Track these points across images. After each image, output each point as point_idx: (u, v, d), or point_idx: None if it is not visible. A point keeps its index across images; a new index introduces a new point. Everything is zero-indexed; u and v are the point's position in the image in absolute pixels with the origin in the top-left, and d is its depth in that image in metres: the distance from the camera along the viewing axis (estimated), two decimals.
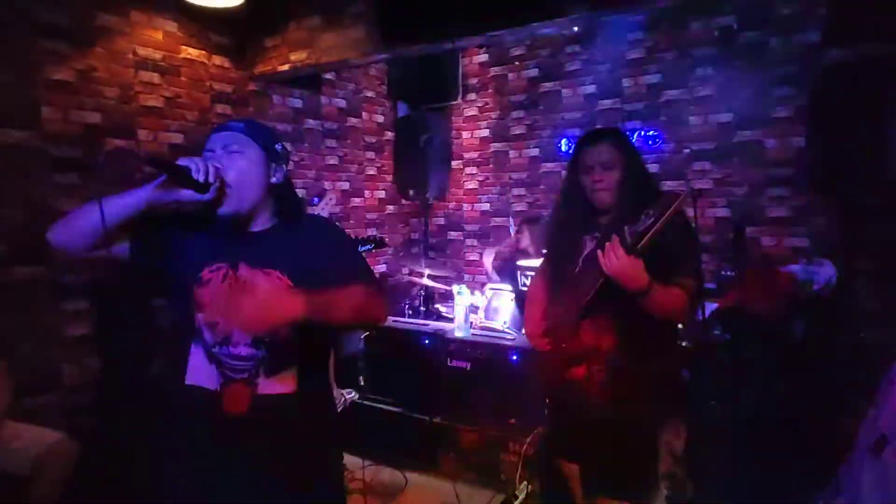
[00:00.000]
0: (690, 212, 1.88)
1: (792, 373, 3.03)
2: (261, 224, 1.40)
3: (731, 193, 3.99)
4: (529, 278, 3.68)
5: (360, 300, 1.35)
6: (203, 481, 1.36)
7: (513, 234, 4.31)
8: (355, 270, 1.42)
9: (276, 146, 1.40)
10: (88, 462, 2.45)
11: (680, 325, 2.66)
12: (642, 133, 4.24)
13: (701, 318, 3.07)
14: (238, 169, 1.31)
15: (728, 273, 3.34)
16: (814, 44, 3.52)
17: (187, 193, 1.24)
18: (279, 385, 1.35)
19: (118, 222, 1.26)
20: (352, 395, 3.53)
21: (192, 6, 3.24)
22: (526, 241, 4.00)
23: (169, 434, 1.41)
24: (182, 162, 1.23)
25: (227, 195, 1.30)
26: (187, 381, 1.36)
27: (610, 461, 1.88)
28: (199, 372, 1.35)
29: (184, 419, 1.38)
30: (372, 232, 4.96)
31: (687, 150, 4.14)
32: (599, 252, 1.62)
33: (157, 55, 3.38)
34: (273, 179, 1.38)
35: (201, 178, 1.23)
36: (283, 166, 1.41)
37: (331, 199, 3.35)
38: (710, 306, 3.22)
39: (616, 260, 1.57)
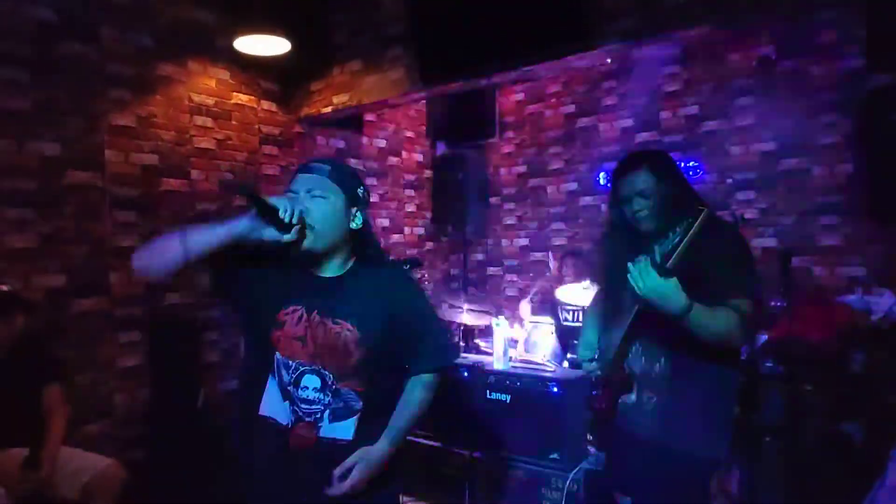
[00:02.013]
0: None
1: (852, 408, 2.86)
2: (337, 268, 1.43)
3: (778, 223, 3.88)
4: (570, 313, 3.67)
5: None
6: None
7: (553, 268, 4.28)
8: (429, 325, 1.52)
9: (359, 190, 1.43)
10: (136, 489, 2.51)
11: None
12: (682, 164, 4.21)
13: (751, 348, 2.98)
14: (320, 213, 1.35)
15: (778, 304, 3.21)
16: (857, 69, 3.46)
17: (271, 232, 1.28)
18: (339, 431, 1.39)
19: (202, 253, 1.30)
20: None
21: (243, 55, 3.47)
22: (570, 274, 3.97)
23: (241, 459, 1.46)
24: (272, 200, 1.27)
25: (307, 236, 1.33)
26: (261, 412, 1.40)
27: (661, 495, 1.80)
28: (274, 405, 1.39)
29: (256, 448, 1.43)
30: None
31: (730, 181, 4.07)
32: (630, 276, 1.59)
33: (211, 101, 3.60)
34: (352, 225, 1.41)
35: (287, 219, 1.27)
36: (364, 210, 1.44)
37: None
38: (761, 338, 3.10)
39: (647, 281, 1.54)
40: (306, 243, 1.34)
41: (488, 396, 3.12)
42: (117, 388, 3.13)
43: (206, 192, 3.56)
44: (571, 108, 4.87)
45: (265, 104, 3.91)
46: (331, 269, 1.43)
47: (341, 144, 4.49)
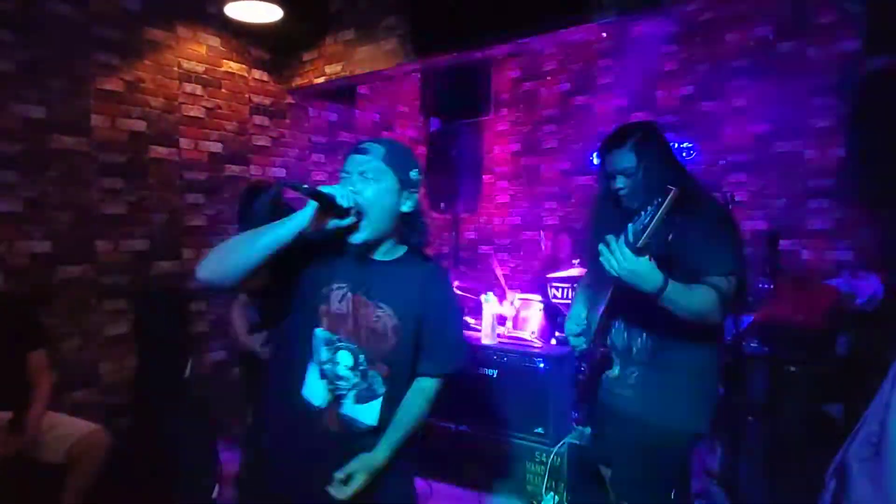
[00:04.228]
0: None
1: (835, 389, 2.89)
2: (385, 252, 1.44)
3: (769, 205, 3.88)
4: (559, 290, 3.68)
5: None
6: (299, 492, 1.43)
7: (547, 246, 4.28)
8: (449, 328, 1.51)
9: (412, 173, 1.40)
10: (121, 456, 2.51)
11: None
12: (676, 145, 4.19)
13: (736, 329, 3.00)
14: (372, 195, 1.34)
15: (764, 285, 3.23)
16: (853, 52, 3.44)
17: (330, 220, 1.30)
18: (361, 414, 1.41)
19: (269, 254, 1.29)
20: None
21: (234, 22, 3.40)
22: (565, 252, 3.96)
23: (277, 440, 1.49)
24: (327, 189, 1.28)
25: (361, 221, 1.34)
26: (303, 392, 1.43)
27: (641, 468, 1.82)
28: (312, 386, 1.42)
29: (293, 429, 1.46)
30: None
31: (723, 162, 4.07)
32: (602, 255, 1.58)
33: (201, 68, 3.54)
34: (403, 208, 1.40)
35: (345, 204, 1.29)
36: (415, 194, 1.42)
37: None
38: (747, 319, 3.12)
39: (620, 260, 1.53)
40: (362, 234, 1.35)
41: (476, 371, 3.13)
42: (103, 356, 3.12)
43: (195, 161, 3.52)
44: (567, 87, 4.83)
45: (256, 73, 3.85)
46: (380, 253, 1.43)
47: (333, 117, 4.43)
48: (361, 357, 1.39)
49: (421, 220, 1.47)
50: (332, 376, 1.40)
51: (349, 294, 1.39)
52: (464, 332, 1.62)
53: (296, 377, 1.43)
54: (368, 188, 1.34)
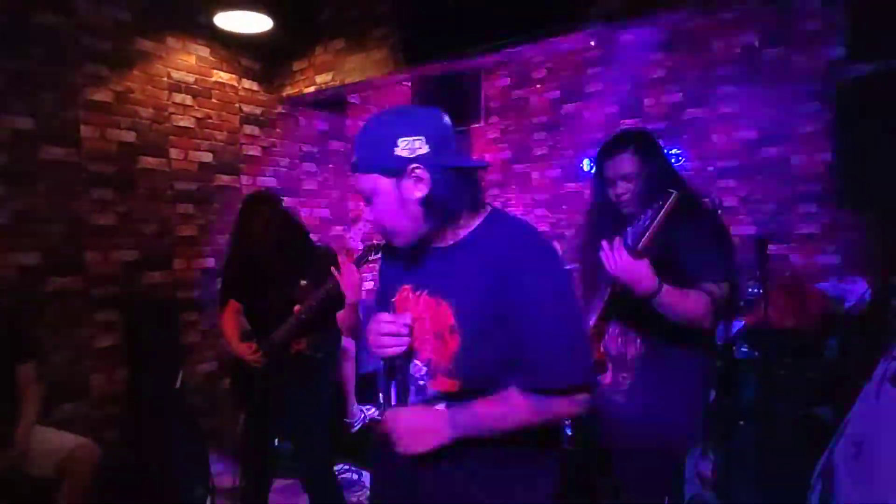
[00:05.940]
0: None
1: (825, 392, 2.91)
2: (453, 235, 1.14)
3: (758, 211, 3.92)
4: None
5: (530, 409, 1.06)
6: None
7: None
8: (546, 323, 1.05)
9: (397, 147, 1.04)
10: (112, 469, 2.49)
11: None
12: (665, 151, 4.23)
13: (726, 334, 3.02)
14: (376, 216, 1.13)
15: (754, 290, 3.26)
16: (838, 58, 3.49)
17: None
18: None
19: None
20: (371, 411, 3.53)
21: (224, 32, 3.40)
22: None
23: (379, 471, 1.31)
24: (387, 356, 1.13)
25: (389, 241, 1.18)
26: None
27: (634, 474, 1.83)
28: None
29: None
30: None
31: (711, 168, 4.10)
32: (603, 254, 1.60)
33: (190, 78, 3.53)
34: (416, 195, 1.07)
35: (405, 334, 1.13)
36: (425, 165, 1.05)
37: (365, 223, 3.38)
38: (738, 324, 3.14)
39: (618, 261, 1.54)
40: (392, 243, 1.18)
41: None
42: (94, 368, 3.09)
43: (185, 172, 3.51)
44: (557, 94, 4.87)
45: (246, 83, 3.85)
46: (447, 238, 1.14)
47: (324, 126, 4.44)
48: (424, 370, 1.12)
49: (449, 196, 1.08)
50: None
51: (411, 294, 1.16)
52: (580, 327, 1.15)
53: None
54: (372, 212, 1.13)
